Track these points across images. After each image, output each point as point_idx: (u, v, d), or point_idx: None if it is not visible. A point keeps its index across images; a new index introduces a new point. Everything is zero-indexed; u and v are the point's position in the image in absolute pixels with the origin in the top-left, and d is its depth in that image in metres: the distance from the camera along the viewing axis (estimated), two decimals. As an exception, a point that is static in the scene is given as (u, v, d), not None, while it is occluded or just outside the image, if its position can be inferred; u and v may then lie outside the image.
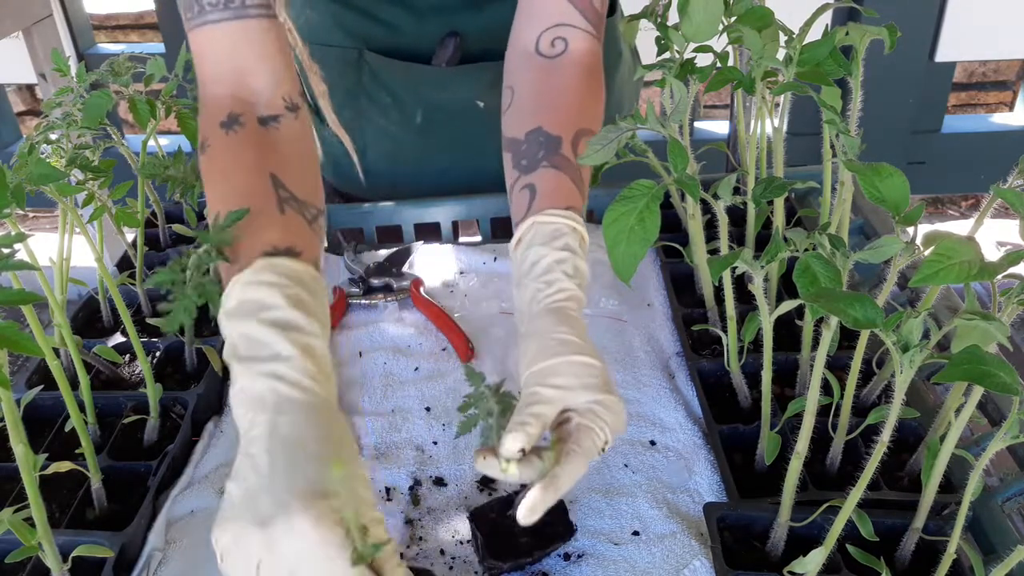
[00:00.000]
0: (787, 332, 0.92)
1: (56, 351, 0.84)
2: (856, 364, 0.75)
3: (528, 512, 0.62)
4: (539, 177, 0.78)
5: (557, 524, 0.75)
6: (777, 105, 0.92)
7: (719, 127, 2.61)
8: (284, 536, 0.53)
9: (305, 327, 0.63)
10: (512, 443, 0.62)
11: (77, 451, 0.78)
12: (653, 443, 0.88)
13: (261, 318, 0.62)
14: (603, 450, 0.66)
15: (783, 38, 0.83)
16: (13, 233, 0.61)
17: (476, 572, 0.75)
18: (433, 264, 1.17)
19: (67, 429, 0.79)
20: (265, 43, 0.76)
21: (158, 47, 2.55)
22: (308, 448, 0.57)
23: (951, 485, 0.74)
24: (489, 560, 0.73)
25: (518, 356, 0.70)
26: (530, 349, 0.69)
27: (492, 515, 0.76)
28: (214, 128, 0.74)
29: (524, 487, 0.64)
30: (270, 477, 0.55)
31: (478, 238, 1.26)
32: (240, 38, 0.75)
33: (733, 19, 0.85)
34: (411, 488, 0.84)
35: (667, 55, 0.87)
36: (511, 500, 0.74)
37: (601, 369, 0.68)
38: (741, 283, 0.93)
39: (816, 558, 0.64)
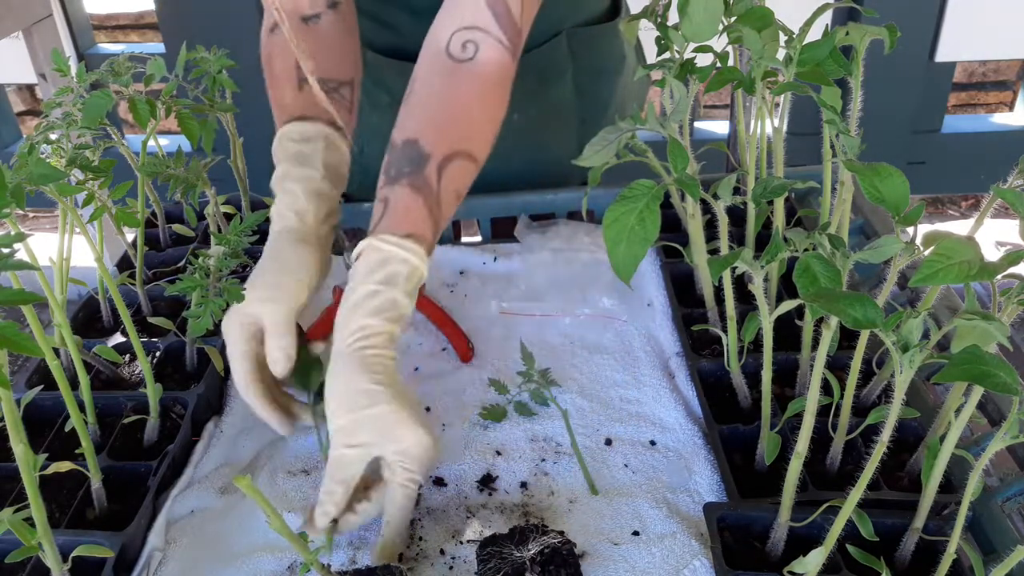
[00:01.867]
0: (787, 332, 0.92)
1: (56, 351, 0.84)
2: (856, 364, 0.75)
3: (383, 558, 0.75)
4: (396, 193, 0.80)
5: None
6: (777, 105, 0.92)
7: (719, 127, 2.61)
8: (225, 324, 0.84)
9: (292, 172, 0.88)
10: (321, 519, 0.75)
11: (77, 451, 0.78)
12: (653, 443, 0.88)
13: (275, 176, 0.89)
14: (417, 485, 0.76)
15: (783, 38, 0.83)
16: (13, 233, 0.61)
17: (476, 572, 0.75)
18: (433, 264, 1.17)
19: (67, 429, 0.79)
20: None
21: (158, 47, 2.55)
22: (259, 268, 0.85)
23: (951, 485, 0.74)
24: None
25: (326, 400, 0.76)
26: (332, 402, 0.75)
27: None
28: (264, 35, 0.96)
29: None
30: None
31: (478, 238, 1.26)
32: None
33: (733, 19, 0.84)
34: (411, 488, 0.84)
35: (667, 55, 0.87)
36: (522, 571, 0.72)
37: (398, 409, 0.73)
38: (741, 283, 0.93)
39: (816, 558, 0.64)
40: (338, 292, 1.10)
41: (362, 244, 0.79)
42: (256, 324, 0.82)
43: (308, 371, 0.97)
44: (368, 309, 0.76)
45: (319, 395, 0.94)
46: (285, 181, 0.87)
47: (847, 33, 0.78)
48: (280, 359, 0.82)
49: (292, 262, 0.84)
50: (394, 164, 0.81)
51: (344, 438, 0.73)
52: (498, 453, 0.87)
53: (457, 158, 0.81)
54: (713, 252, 0.94)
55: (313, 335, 1.04)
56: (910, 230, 0.66)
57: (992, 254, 0.55)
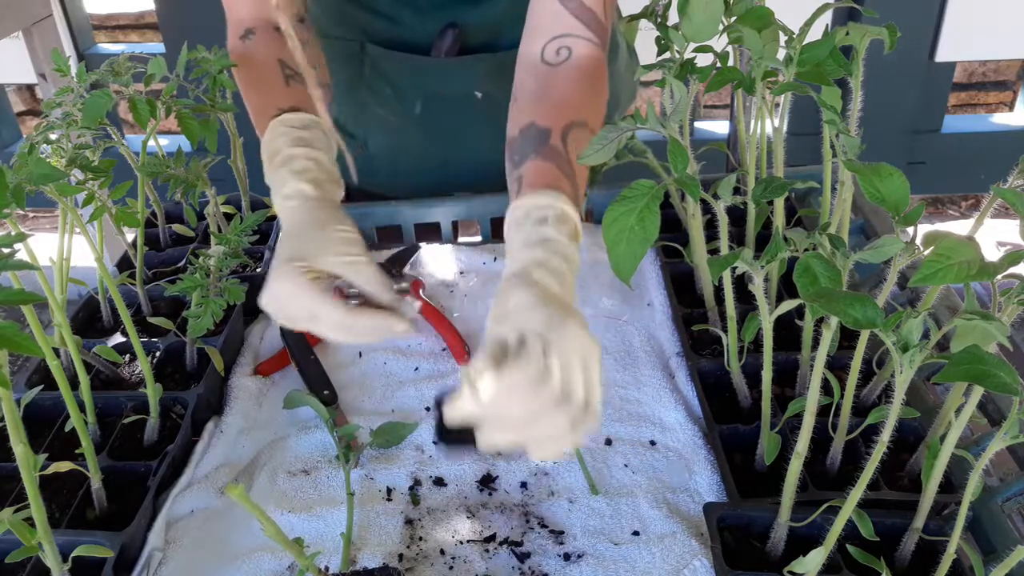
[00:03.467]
0: (787, 332, 0.92)
1: (56, 351, 0.84)
2: (856, 364, 0.75)
3: (452, 408, 0.64)
4: (526, 168, 0.81)
5: None
6: (777, 105, 0.92)
7: (719, 127, 2.61)
8: (275, 292, 0.75)
9: (298, 154, 0.84)
10: (479, 364, 0.63)
11: (77, 451, 0.78)
12: (653, 443, 0.88)
13: (274, 161, 0.84)
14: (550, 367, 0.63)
15: (783, 38, 0.83)
16: (13, 233, 0.61)
17: (477, 573, 0.75)
18: (433, 264, 1.17)
19: (67, 429, 0.79)
20: None
21: (158, 47, 2.55)
22: (291, 230, 0.79)
23: (951, 485, 0.74)
24: (445, 436, 0.67)
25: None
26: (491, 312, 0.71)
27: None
28: (235, 42, 0.96)
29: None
30: (274, 256, 0.78)
31: (478, 238, 1.26)
32: None
33: (733, 19, 0.85)
34: (411, 488, 0.84)
35: (667, 55, 0.87)
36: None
37: (554, 310, 0.66)
38: (741, 283, 0.93)
39: (816, 558, 0.64)
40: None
41: (507, 216, 0.78)
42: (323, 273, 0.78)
43: (316, 374, 0.97)
44: (525, 245, 0.74)
45: (329, 394, 0.94)
46: (297, 160, 0.83)
47: (847, 33, 0.78)
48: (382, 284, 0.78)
49: (321, 220, 0.80)
50: (517, 150, 0.83)
51: (499, 321, 0.68)
52: (498, 453, 0.87)
53: (575, 127, 0.83)
54: (713, 252, 0.94)
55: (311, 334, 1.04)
56: (910, 230, 0.66)
57: (992, 254, 0.55)
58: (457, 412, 0.64)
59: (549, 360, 0.62)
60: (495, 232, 1.22)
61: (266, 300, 0.77)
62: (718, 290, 0.97)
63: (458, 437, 0.67)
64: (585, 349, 0.64)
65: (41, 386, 0.88)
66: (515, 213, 0.77)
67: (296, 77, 0.92)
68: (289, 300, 0.75)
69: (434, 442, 0.71)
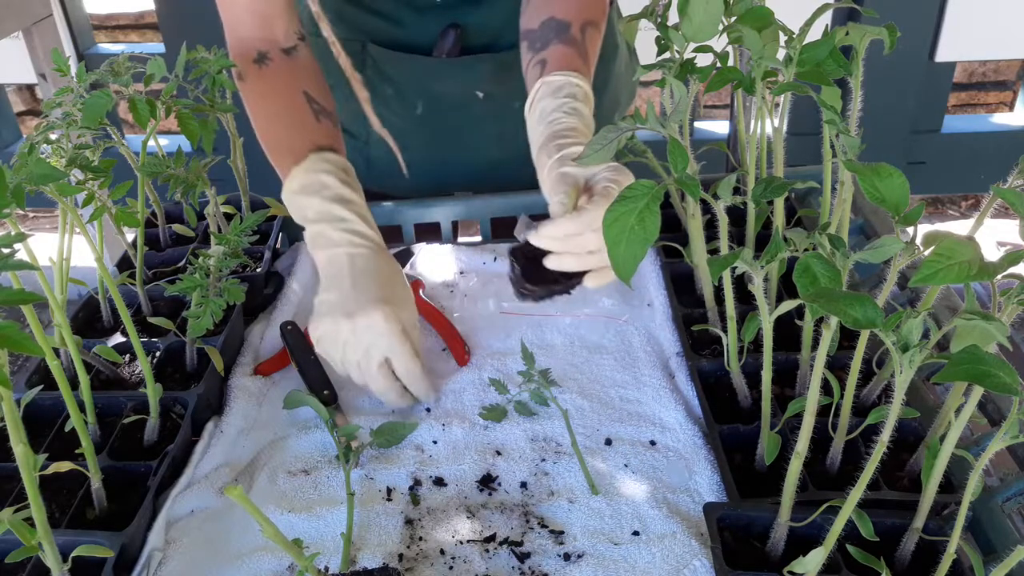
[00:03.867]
0: (787, 332, 0.92)
1: (56, 351, 0.84)
2: (856, 364, 0.75)
3: (540, 234, 0.78)
4: (550, 52, 0.90)
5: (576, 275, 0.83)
6: (777, 105, 0.92)
7: (719, 127, 2.62)
8: (363, 324, 0.81)
9: (356, 200, 0.90)
10: (559, 201, 0.80)
11: (77, 451, 0.78)
12: (653, 443, 0.88)
13: (324, 195, 0.88)
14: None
15: (783, 38, 0.83)
16: (13, 233, 0.61)
17: (477, 573, 0.75)
18: (433, 264, 1.17)
19: (67, 429, 0.79)
20: None
21: (158, 47, 2.55)
22: (376, 274, 0.85)
23: (951, 485, 0.74)
24: (525, 286, 0.82)
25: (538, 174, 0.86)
26: (542, 162, 0.84)
27: (529, 253, 0.83)
28: (248, 64, 0.96)
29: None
30: (353, 290, 0.83)
31: (478, 238, 1.26)
32: None
33: (733, 19, 0.85)
34: (411, 488, 0.84)
35: (667, 55, 0.87)
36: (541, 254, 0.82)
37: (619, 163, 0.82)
38: (741, 283, 0.93)
39: (816, 558, 0.64)
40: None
41: (533, 88, 0.89)
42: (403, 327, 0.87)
43: (318, 372, 0.97)
44: (563, 112, 0.85)
45: (328, 394, 0.94)
46: (356, 204, 0.90)
47: (847, 33, 0.78)
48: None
49: (398, 274, 0.91)
50: (538, 39, 0.92)
51: (564, 163, 0.84)
52: (498, 453, 0.87)
53: (590, 26, 0.93)
54: (713, 252, 0.94)
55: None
56: (910, 230, 0.66)
57: (992, 254, 0.55)
58: (543, 239, 0.78)
59: None
60: (495, 232, 1.22)
61: (340, 336, 0.83)
62: (718, 290, 0.97)
63: (535, 289, 0.82)
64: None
65: (41, 386, 0.88)
66: (545, 87, 0.88)
67: (323, 112, 0.94)
68: (374, 339, 0.82)
69: (521, 292, 0.84)
